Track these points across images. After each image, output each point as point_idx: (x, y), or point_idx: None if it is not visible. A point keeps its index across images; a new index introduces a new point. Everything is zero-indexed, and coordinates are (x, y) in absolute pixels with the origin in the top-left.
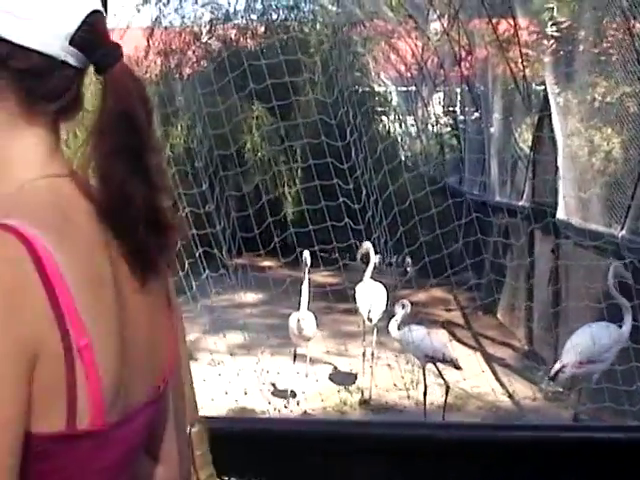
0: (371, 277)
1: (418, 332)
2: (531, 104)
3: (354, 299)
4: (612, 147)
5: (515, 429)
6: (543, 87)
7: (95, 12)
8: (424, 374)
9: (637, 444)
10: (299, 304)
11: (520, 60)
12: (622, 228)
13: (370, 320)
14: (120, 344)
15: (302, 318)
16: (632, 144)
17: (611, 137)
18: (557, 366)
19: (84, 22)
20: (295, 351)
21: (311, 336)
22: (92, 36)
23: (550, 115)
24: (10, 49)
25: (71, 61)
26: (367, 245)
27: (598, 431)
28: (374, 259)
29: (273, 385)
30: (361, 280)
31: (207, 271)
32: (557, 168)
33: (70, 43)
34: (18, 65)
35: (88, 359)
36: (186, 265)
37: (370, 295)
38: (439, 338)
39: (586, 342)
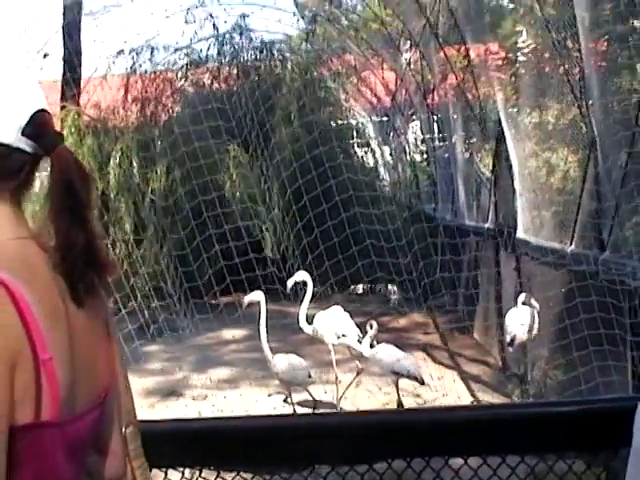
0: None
1: (384, 349)
2: (487, 129)
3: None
4: (568, 167)
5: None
6: (499, 112)
7: (40, 111)
8: (397, 389)
9: (589, 415)
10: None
11: (475, 86)
12: (570, 243)
13: (360, 342)
14: (71, 360)
15: (296, 365)
16: (578, 165)
17: (565, 158)
18: (509, 337)
19: (32, 118)
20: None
21: (301, 382)
22: (38, 128)
23: (505, 139)
24: None
25: (23, 147)
26: (302, 274)
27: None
28: (311, 287)
29: None
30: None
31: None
32: (514, 190)
33: (22, 134)
34: None
35: (50, 368)
36: (174, 306)
37: (343, 321)
38: (404, 355)
39: (519, 319)
